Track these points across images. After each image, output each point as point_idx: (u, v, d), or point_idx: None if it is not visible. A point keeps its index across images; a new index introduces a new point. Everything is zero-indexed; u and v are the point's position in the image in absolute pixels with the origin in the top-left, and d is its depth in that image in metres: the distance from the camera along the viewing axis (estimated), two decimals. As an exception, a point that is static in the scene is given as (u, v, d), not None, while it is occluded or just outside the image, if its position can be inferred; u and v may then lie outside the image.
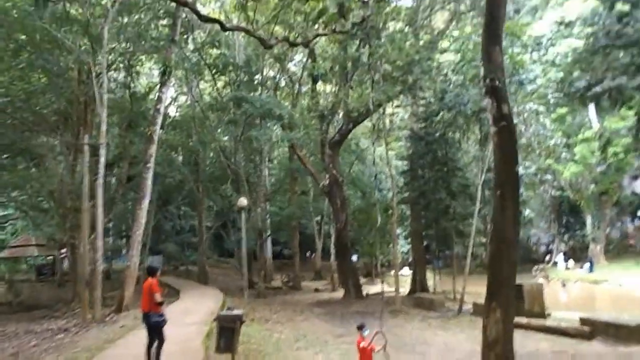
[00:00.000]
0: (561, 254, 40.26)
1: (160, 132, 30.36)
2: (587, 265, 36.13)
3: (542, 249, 48.88)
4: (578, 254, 42.05)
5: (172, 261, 41.98)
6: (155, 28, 23.98)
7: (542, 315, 14.82)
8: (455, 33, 21.22)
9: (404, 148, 27.74)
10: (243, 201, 16.61)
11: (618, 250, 44.11)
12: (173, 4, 22.59)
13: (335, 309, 21.12)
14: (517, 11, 23.52)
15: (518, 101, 18.00)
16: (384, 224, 30.57)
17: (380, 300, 18.00)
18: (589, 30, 16.31)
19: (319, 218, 37.60)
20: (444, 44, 23.57)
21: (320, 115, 22.45)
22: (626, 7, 15.92)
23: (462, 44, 16.93)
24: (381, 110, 22.12)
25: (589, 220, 40.82)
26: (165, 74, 20.76)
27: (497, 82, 7.55)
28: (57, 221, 23.77)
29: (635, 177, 42.61)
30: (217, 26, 30.47)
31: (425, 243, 26.96)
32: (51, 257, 35.88)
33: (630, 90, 15.89)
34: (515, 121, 19.00)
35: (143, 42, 23.02)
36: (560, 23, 23.09)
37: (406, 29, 20.72)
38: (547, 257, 44.92)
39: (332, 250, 32.51)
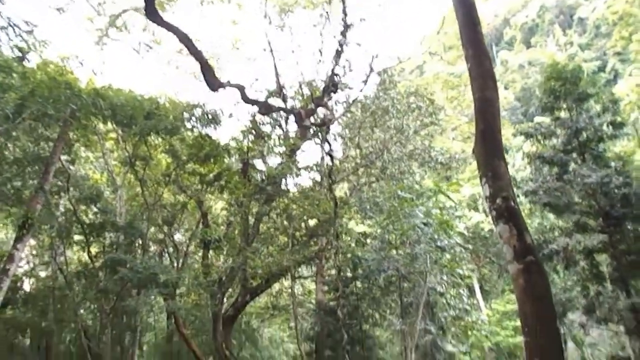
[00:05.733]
0: None
1: (6, 308, 24.74)
2: None
3: None
4: None
5: None
6: (22, 177, 20.41)
7: None
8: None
9: (306, 327, 24.59)
10: (110, 392, 12.21)
11: None
12: (48, 150, 19.83)
13: None
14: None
15: (438, 269, 16.55)
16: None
17: None
18: (530, 187, 15.98)
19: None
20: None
21: (218, 281, 19.18)
22: (555, 169, 16.15)
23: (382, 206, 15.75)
24: (285, 280, 19.62)
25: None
26: (24, 228, 16.87)
27: (511, 202, 5.63)
28: None
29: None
30: (99, 181, 27.70)
31: None
32: None
33: (576, 254, 15.20)
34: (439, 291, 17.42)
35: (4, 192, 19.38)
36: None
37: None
38: None
39: None
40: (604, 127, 16.09)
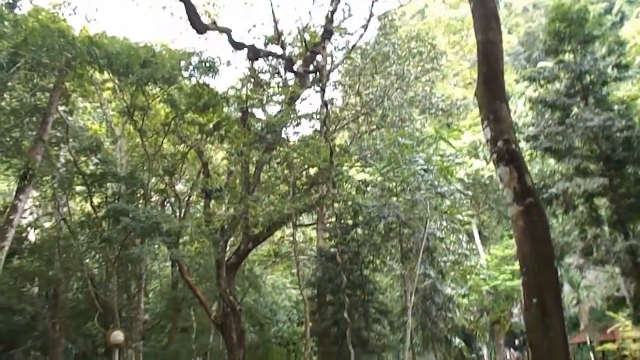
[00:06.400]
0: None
1: (14, 258, 25.10)
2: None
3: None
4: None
5: None
6: (20, 128, 20.31)
7: None
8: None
9: (308, 273, 25.07)
10: (119, 336, 12.59)
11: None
12: (45, 101, 19.62)
13: None
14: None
15: (438, 216, 16.68)
16: (282, 362, 26.83)
17: None
18: (532, 132, 15.91)
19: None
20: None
21: (221, 230, 19.38)
22: (558, 114, 16.05)
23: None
24: (287, 228, 19.80)
25: (485, 351, 39.95)
26: (26, 179, 16.94)
27: (512, 145, 5.60)
28: None
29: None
30: (99, 132, 27.52)
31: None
32: None
33: (575, 198, 15.32)
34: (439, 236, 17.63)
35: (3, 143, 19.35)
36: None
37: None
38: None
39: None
40: (609, 70, 15.85)
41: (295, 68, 19.25)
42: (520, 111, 22.60)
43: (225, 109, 22.74)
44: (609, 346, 32.32)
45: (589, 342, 35.18)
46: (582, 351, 36.17)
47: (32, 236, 30.54)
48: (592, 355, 34.78)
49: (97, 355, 32.32)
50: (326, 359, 21.01)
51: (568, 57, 16.60)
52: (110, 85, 25.29)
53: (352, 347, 16.75)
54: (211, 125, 22.51)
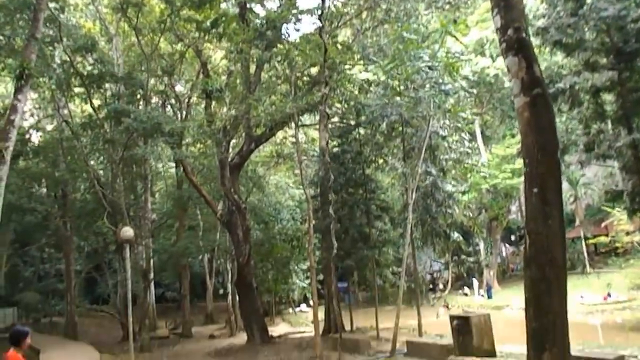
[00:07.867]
0: (474, 280, 39.75)
1: (19, 159, 25.39)
2: (485, 291, 36.40)
3: (427, 276, 47.33)
4: (466, 280, 42.17)
5: (32, 314, 35.34)
6: (11, 25, 19.59)
7: (493, 353, 12.80)
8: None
9: (310, 173, 25.37)
10: (128, 232, 12.96)
11: (502, 275, 45.49)
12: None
13: (241, 358, 17.99)
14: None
15: (441, 114, 16.49)
16: (286, 257, 27.97)
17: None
18: (542, 24, 15.31)
19: (208, 255, 33.74)
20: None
21: (223, 129, 19.37)
22: (570, 4, 15.32)
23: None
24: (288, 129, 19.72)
25: (481, 246, 41.53)
26: (22, 78, 16.61)
27: (523, 34, 5.38)
28: None
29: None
30: (92, 30, 26.60)
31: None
32: None
33: (582, 93, 15.09)
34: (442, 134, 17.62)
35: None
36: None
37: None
38: (441, 285, 44.88)
39: (229, 290, 28.87)
40: (630, -49, 14.93)
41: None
42: (530, 5, 21.56)
43: (223, 5, 21.83)
44: (602, 239, 33.63)
45: (582, 236, 36.49)
46: (575, 245, 37.57)
47: (35, 138, 30.68)
48: (583, 246, 36.21)
49: (109, 252, 33.83)
50: (328, 253, 21.92)
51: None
52: (100, -23, 24.15)
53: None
54: (208, 22, 21.65)
